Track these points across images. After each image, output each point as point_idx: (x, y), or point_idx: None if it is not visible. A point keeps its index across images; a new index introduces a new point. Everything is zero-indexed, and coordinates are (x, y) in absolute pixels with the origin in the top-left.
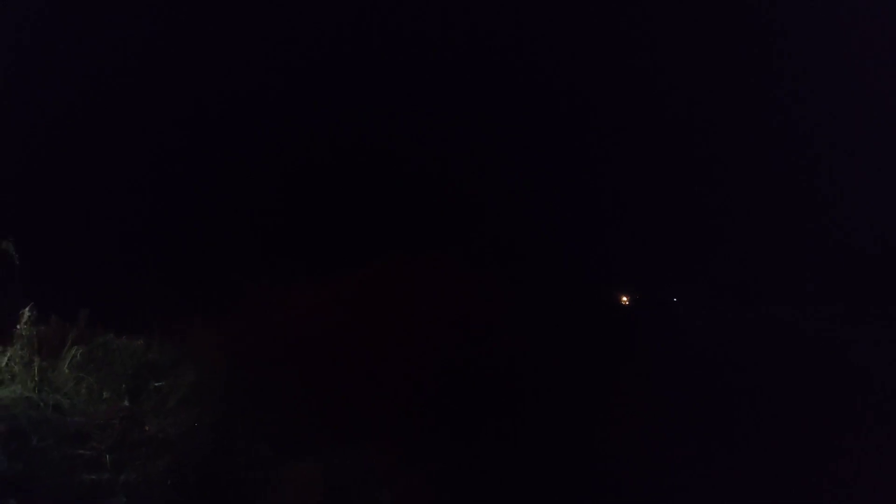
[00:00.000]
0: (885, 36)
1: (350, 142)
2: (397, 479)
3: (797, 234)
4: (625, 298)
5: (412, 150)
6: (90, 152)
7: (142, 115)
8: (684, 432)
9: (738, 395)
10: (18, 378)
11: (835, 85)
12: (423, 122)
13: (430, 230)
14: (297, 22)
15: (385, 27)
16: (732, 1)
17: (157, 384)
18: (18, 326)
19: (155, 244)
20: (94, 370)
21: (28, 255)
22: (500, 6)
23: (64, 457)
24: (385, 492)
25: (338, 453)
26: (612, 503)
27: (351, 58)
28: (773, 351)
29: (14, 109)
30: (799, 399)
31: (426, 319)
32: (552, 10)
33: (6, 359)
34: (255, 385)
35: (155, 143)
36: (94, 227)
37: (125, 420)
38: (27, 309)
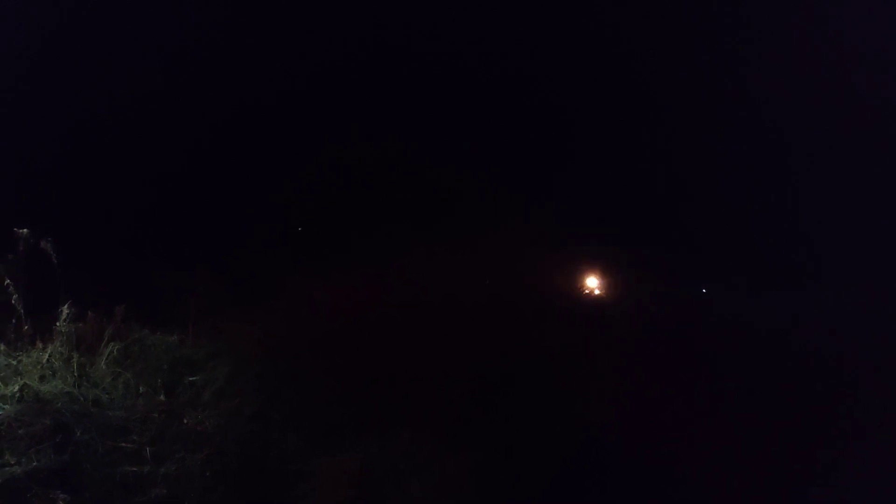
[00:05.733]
0: (885, 36)
1: (380, 142)
2: (432, 471)
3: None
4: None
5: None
6: (127, 152)
7: (175, 115)
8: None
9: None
10: (59, 374)
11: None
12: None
13: (452, 223)
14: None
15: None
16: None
17: (191, 378)
18: (58, 324)
19: (186, 242)
20: (131, 366)
21: (66, 254)
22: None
23: (106, 450)
24: (419, 483)
25: (373, 445)
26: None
27: (371, 65)
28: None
29: (52, 109)
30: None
31: (460, 310)
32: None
33: (47, 355)
34: (289, 377)
35: (189, 142)
36: (129, 226)
37: (164, 414)
38: (66, 307)
